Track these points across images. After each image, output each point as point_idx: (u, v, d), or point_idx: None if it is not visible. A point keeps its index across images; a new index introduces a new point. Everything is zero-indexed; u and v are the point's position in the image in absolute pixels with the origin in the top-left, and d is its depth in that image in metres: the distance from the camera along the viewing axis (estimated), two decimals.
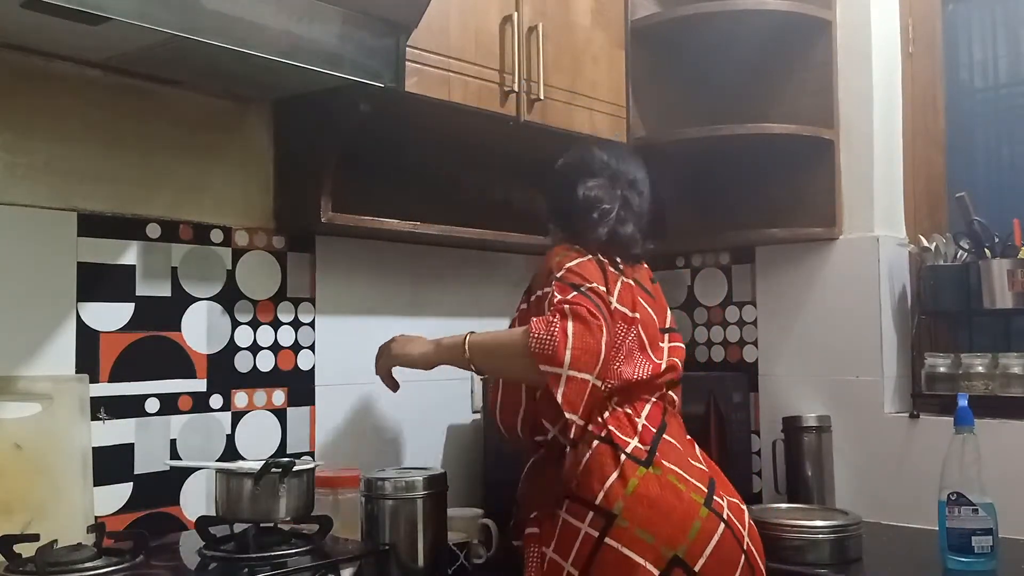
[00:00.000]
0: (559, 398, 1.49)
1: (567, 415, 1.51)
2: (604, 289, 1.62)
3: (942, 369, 2.34)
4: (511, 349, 1.58)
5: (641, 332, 1.70)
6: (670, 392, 1.74)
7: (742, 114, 2.49)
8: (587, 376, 1.51)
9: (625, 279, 1.73)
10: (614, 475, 1.56)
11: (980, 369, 2.28)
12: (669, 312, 1.85)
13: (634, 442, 1.60)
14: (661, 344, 1.75)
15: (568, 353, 1.49)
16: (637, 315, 1.70)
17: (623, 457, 1.57)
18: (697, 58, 2.56)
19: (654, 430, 1.63)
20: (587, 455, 1.59)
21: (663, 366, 1.72)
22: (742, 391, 2.46)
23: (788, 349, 2.52)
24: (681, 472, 1.59)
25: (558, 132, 2.19)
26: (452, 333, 2.34)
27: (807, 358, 2.49)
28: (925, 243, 2.40)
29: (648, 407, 1.67)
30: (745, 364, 2.59)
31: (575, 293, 1.56)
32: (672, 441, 1.64)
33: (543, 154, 2.32)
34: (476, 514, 1.96)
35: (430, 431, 2.30)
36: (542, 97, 2.11)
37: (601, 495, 1.54)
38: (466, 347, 1.66)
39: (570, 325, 1.50)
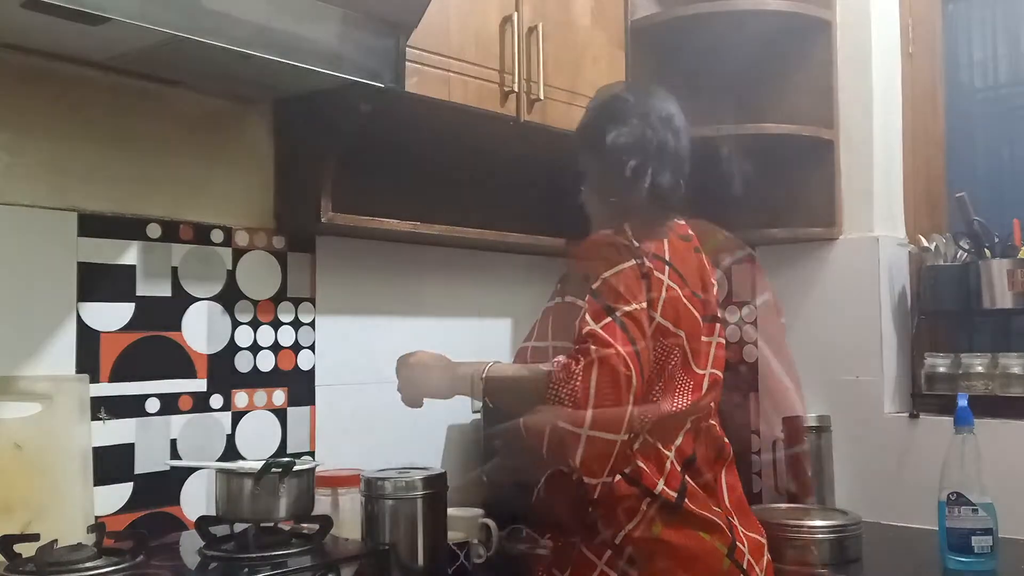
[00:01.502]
0: (576, 461, 1.36)
1: (585, 480, 1.40)
2: (643, 306, 1.44)
3: (942, 369, 2.34)
4: (529, 393, 1.42)
5: (685, 346, 1.53)
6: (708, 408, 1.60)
7: (742, 114, 2.49)
8: (612, 437, 1.37)
9: (670, 283, 1.52)
10: (637, 518, 1.45)
11: (980, 369, 2.28)
12: (712, 279, 1.65)
13: (661, 484, 1.46)
14: (707, 343, 1.58)
15: (590, 413, 1.34)
16: (681, 332, 1.52)
17: (649, 500, 1.45)
18: (697, 58, 2.55)
19: (681, 466, 1.50)
20: (611, 490, 1.46)
21: (704, 385, 1.55)
22: (742, 391, 2.46)
23: (787, 348, 2.52)
24: (707, 516, 1.48)
25: (558, 132, 2.18)
26: (451, 333, 2.38)
27: (807, 358, 2.49)
28: (925, 243, 2.40)
29: (681, 436, 1.52)
30: (745, 364, 2.59)
31: (608, 320, 1.39)
32: (702, 473, 1.52)
33: (543, 154, 2.32)
34: (476, 514, 1.96)
35: (430, 431, 2.30)
36: (542, 97, 2.11)
37: (621, 535, 1.45)
38: (482, 379, 1.51)
39: (594, 377, 1.34)
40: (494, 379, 1.51)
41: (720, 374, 1.61)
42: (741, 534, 1.52)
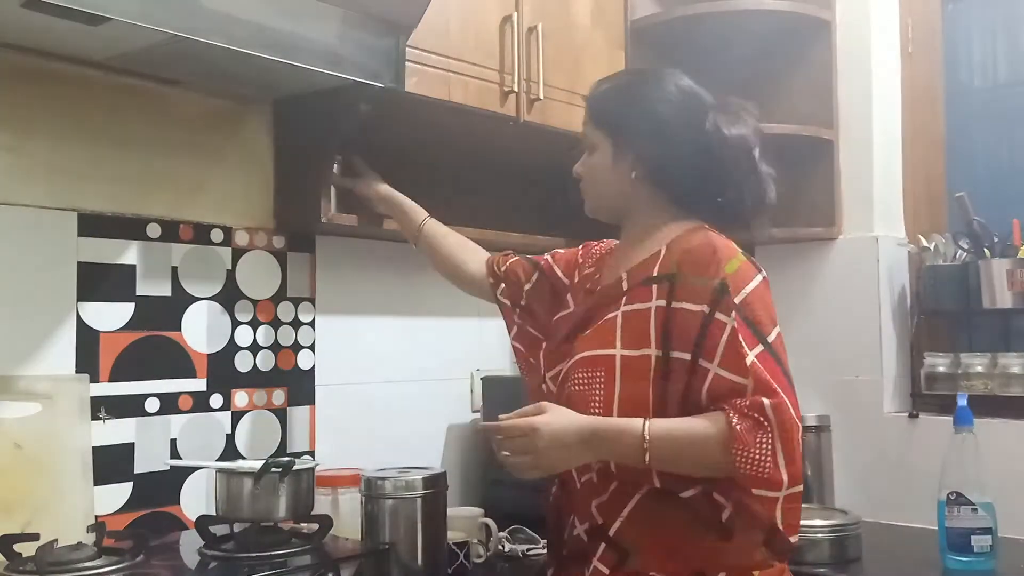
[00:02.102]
0: (780, 524, 1.26)
1: (792, 540, 1.28)
2: (779, 327, 1.34)
3: (941, 369, 2.34)
4: (710, 453, 1.28)
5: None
6: None
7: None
8: (799, 488, 1.28)
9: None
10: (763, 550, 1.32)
11: (979, 369, 2.28)
12: None
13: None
14: None
15: (784, 473, 1.25)
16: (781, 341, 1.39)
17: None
18: (697, 58, 2.55)
19: None
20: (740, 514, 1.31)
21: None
22: None
23: (787, 349, 2.52)
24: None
25: (558, 132, 2.19)
26: (451, 333, 2.37)
27: (806, 358, 2.49)
28: (924, 243, 2.40)
29: None
30: None
31: (761, 349, 1.28)
32: None
33: (543, 154, 2.32)
34: (476, 514, 1.96)
35: (430, 431, 2.30)
36: (542, 97, 2.11)
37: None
38: (646, 440, 1.29)
39: (778, 439, 1.25)
40: (661, 444, 1.30)
41: None
42: None
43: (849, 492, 2.37)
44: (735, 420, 1.25)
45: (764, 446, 1.24)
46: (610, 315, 1.40)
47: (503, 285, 1.73)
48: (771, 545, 1.30)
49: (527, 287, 1.69)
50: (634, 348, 1.36)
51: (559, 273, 1.66)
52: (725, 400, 1.28)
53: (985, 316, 2.37)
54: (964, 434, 1.82)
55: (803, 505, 2.19)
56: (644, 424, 1.30)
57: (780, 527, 1.26)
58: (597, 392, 1.37)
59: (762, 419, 1.25)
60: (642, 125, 1.45)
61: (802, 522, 1.88)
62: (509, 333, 1.72)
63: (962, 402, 1.85)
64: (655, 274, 1.39)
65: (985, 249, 2.28)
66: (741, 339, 1.28)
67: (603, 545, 1.38)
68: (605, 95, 1.53)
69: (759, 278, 1.35)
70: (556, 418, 1.34)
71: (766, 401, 1.25)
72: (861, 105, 2.45)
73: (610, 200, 1.52)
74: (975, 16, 2.60)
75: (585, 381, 1.39)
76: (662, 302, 1.35)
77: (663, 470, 1.32)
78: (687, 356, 1.32)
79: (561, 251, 1.72)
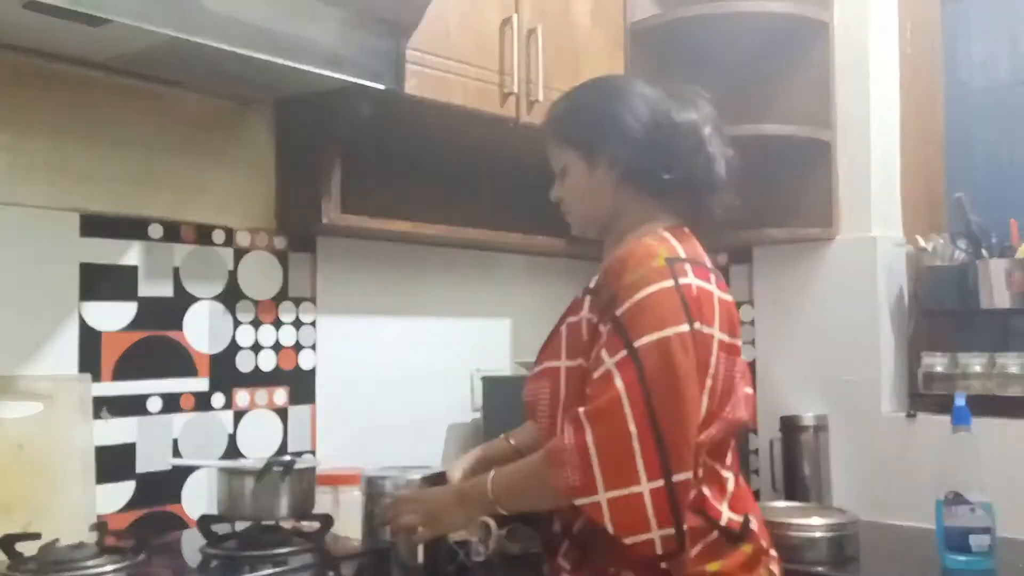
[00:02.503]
0: (609, 528, 1.23)
1: (627, 540, 1.23)
2: (689, 329, 1.28)
3: (939, 369, 2.34)
4: (532, 485, 1.33)
5: (743, 362, 1.43)
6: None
7: (740, 115, 2.49)
8: (633, 489, 1.22)
9: (723, 295, 1.39)
10: (698, 548, 1.30)
11: (977, 369, 2.28)
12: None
13: (725, 511, 1.33)
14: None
15: (601, 477, 1.22)
16: (738, 341, 1.39)
17: (715, 533, 1.32)
18: (696, 59, 2.56)
19: (737, 487, 1.39)
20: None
21: (752, 396, 1.45)
22: None
23: (786, 349, 2.53)
24: (764, 546, 1.38)
25: None
26: (451, 333, 2.38)
27: (805, 358, 2.50)
28: (923, 243, 2.41)
29: (730, 454, 1.41)
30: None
31: (623, 355, 1.26)
32: (749, 493, 1.43)
33: (542, 155, 2.33)
34: None
35: (430, 431, 2.31)
36: (541, 99, 2.11)
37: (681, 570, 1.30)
38: (489, 491, 1.38)
39: (590, 437, 1.23)
40: (500, 487, 1.38)
41: (752, 393, 1.47)
42: (772, 548, 1.43)
43: (847, 492, 2.38)
44: (549, 448, 1.29)
45: (574, 454, 1.23)
46: (561, 327, 1.43)
47: None
48: (724, 533, 1.33)
49: None
50: (572, 359, 1.38)
51: None
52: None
53: (983, 316, 2.37)
54: (962, 434, 1.83)
55: (801, 504, 2.23)
56: (491, 475, 1.40)
57: (611, 530, 1.23)
58: (544, 403, 1.40)
59: (573, 423, 1.26)
60: (604, 130, 1.46)
61: (801, 521, 1.92)
62: None
63: (960, 402, 1.85)
64: (591, 285, 1.40)
65: (983, 249, 2.28)
66: (604, 350, 1.28)
67: (567, 542, 1.41)
68: (563, 114, 1.54)
69: (661, 285, 1.30)
70: (426, 489, 1.55)
71: (580, 411, 1.26)
72: (860, 105, 2.46)
73: (594, 212, 1.51)
74: (975, 16, 2.60)
75: (533, 393, 1.43)
76: (592, 314, 1.36)
77: (515, 511, 1.41)
78: (582, 362, 1.35)
79: None
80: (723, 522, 1.32)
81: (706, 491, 1.32)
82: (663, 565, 1.28)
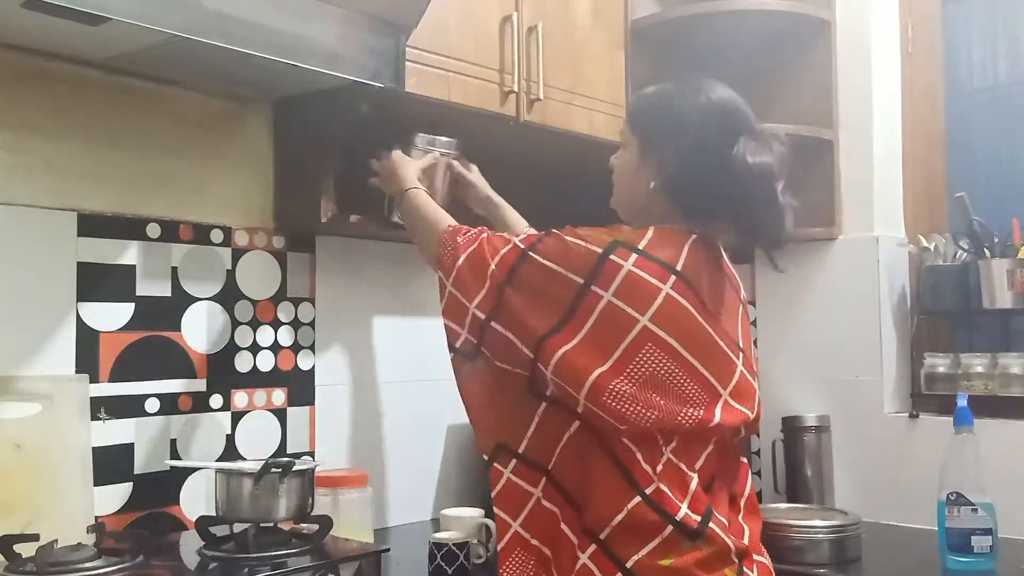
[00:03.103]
0: (442, 308, 1.50)
1: (445, 323, 1.51)
2: (579, 281, 1.33)
3: (941, 369, 2.34)
4: (426, 231, 1.61)
5: (692, 364, 1.36)
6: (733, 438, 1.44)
7: None
8: (466, 303, 1.44)
9: (678, 297, 1.34)
10: (654, 543, 1.30)
11: (979, 369, 2.28)
12: (737, 304, 1.48)
13: (684, 508, 1.31)
14: (712, 382, 1.37)
15: (455, 269, 1.48)
16: (691, 358, 1.34)
17: (669, 528, 1.30)
18: (697, 58, 2.55)
19: (704, 489, 1.35)
20: (627, 508, 1.30)
21: (715, 416, 1.35)
22: None
23: (787, 349, 2.53)
24: (724, 539, 1.33)
25: (558, 132, 2.19)
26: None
27: (806, 358, 2.49)
28: (924, 243, 2.40)
29: (703, 457, 1.36)
30: None
31: (486, 234, 1.52)
32: (721, 499, 1.39)
33: (543, 154, 2.32)
34: (476, 514, 1.95)
35: (430, 431, 2.30)
36: (542, 97, 2.11)
37: (634, 560, 1.30)
38: (403, 192, 1.72)
39: (476, 239, 1.49)
40: (409, 203, 1.70)
41: (744, 410, 1.41)
42: (750, 562, 1.38)
43: (849, 492, 2.37)
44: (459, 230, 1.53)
45: (466, 238, 1.50)
46: None
47: None
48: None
49: None
50: None
51: None
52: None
53: (985, 316, 2.37)
54: (964, 434, 1.83)
55: (803, 506, 2.22)
56: (414, 186, 1.73)
57: (442, 309, 1.51)
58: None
59: (478, 233, 1.50)
60: (669, 135, 1.44)
61: (803, 523, 1.91)
62: None
63: (962, 402, 1.85)
64: None
65: (985, 249, 2.28)
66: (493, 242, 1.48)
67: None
68: (645, 98, 1.54)
69: (586, 245, 1.35)
70: (409, 164, 1.81)
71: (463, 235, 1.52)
72: (861, 105, 2.45)
73: (628, 200, 1.51)
74: (975, 16, 2.60)
75: None
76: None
77: (401, 219, 1.75)
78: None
79: None
80: (679, 517, 1.29)
81: (664, 487, 1.30)
82: (629, 565, 1.29)
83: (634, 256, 1.33)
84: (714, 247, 1.45)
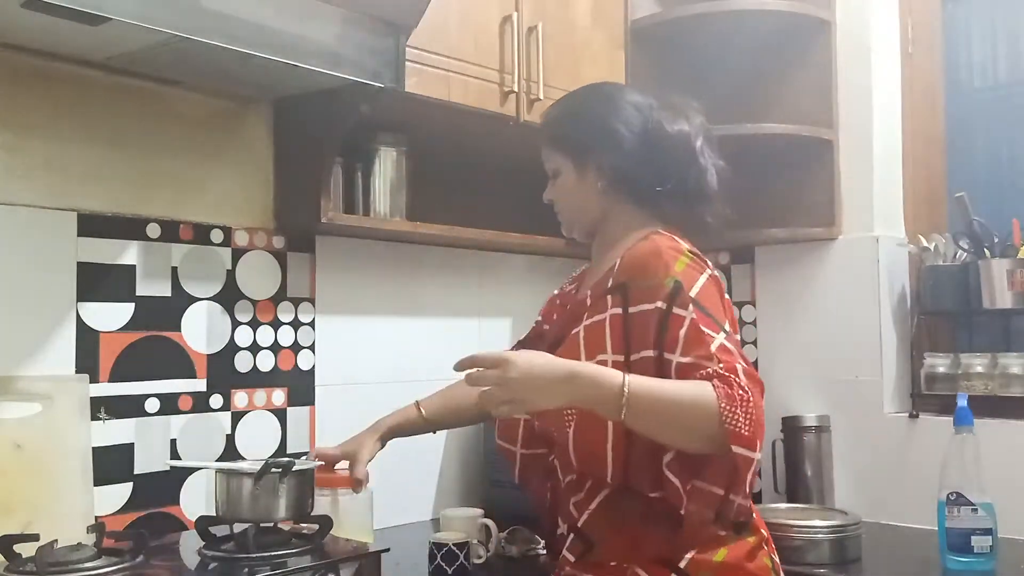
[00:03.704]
0: (746, 486, 1.29)
1: (740, 502, 1.31)
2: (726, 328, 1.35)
3: (941, 369, 2.34)
4: (694, 412, 1.26)
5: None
6: None
7: (742, 114, 2.48)
8: (759, 456, 1.28)
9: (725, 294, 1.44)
10: (703, 537, 1.34)
11: (979, 369, 2.28)
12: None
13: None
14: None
15: (759, 439, 1.26)
16: (737, 338, 1.40)
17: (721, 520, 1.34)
18: (697, 58, 2.56)
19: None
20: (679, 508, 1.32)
21: None
22: None
23: (787, 349, 2.53)
24: (765, 535, 1.41)
25: None
26: (451, 333, 2.37)
27: (806, 358, 2.49)
28: (924, 243, 2.40)
29: None
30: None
31: (724, 336, 1.31)
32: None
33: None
34: (476, 514, 1.96)
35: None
36: (542, 97, 2.11)
37: (686, 560, 1.33)
38: (625, 390, 1.26)
39: (756, 401, 1.26)
40: (639, 396, 1.26)
41: None
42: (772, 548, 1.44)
43: (849, 493, 2.37)
44: (716, 382, 1.26)
45: (746, 404, 1.25)
46: (575, 330, 1.44)
47: None
48: (721, 516, 1.33)
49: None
50: (591, 357, 1.38)
51: (542, 326, 1.69)
52: (696, 375, 1.29)
53: (985, 316, 2.36)
54: (964, 434, 1.82)
55: (804, 506, 2.23)
56: (624, 377, 1.27)
57: (746, 488, 1.29)
58: (569, 411, 1.37)
59: (738, 380, 1.26)
60: (594, 137, 1.51)
61: (803, 523, 1.91)
62: None
63: (962, 402, 1.85)
64: (610, 285, 1.42)
65: (985, 249, 2.28)
66: (703, 328, 1.31)
67: (572, 536, 1.44)
68: (556, 120, 1.59)
69: (707, 274, 1.39)
70: (533, 355, 1.33)
71: (738, 366, 1.28)
72: (861, 105, 2.45)
73: (582, 216, 1.57)
74: (975, 16, 2.60)
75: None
76: (618, 310, 1.38)
77: (637, 429, 1.29)
78: (651, 352, 1.34)
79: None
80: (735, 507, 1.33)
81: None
82: (682, 565, 1.32)
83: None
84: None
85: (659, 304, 1.34)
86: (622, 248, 1.47)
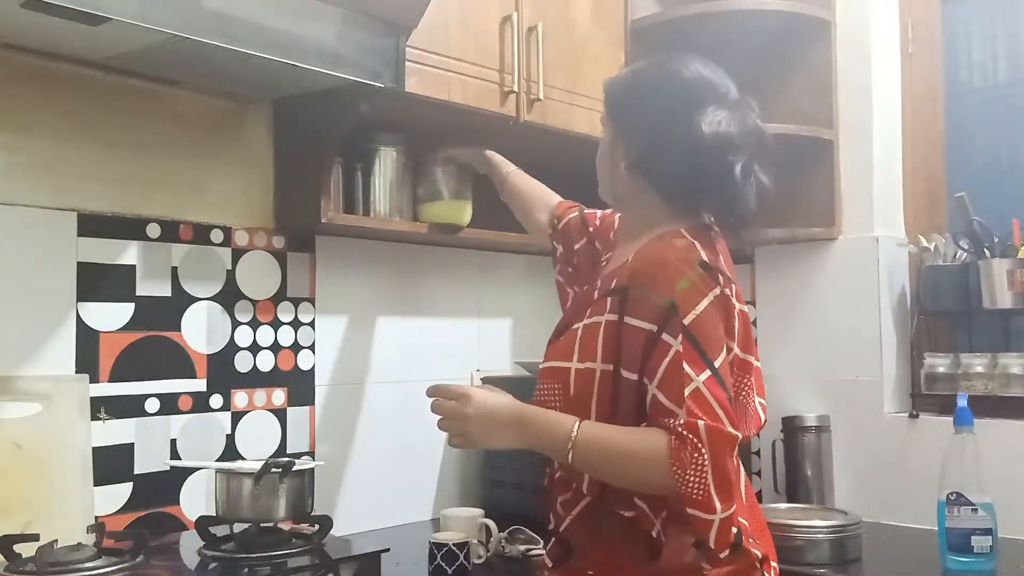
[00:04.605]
0: (711, 543, 1.24)
1: (721, 555, 1.26)
2: (726, 351, 1.30)
3: (941, 369, 2.34)
4: (644, 467, 1.25)
5: (752, 377, 1.41)
6: None
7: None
8: (733, 508, 1.25)
9: (741, 307, 1.37)
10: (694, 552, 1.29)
11: (979, 369, 2.28)
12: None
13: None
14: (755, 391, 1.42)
15: (717, 500, 1.21)
16: (751, 358, 1.39)
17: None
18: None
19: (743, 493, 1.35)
20: (668, 528, 1.30)
21: (763, 417, 1.43)
22: None
23: (787, 349, 2.52)
24: (752, 550, 1.33)
25: (558, 132, 2.19)
26: (451, 333, 2.37)
27: (806, 358, 2.49)
28: (924, 243, 2.40)
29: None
30: None
31: (709, 375, 1.25)
32: (743, 497, 1.37)
33: (543, 154, 2.32)
34: (476, 514, 1.96)
35: (430, 431, 2.29)
36: (542, 97, 2.11)
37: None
38: (573, 436, 1.28)
39: (709, 463, 1.21)
40: (588, 445, 1.28)
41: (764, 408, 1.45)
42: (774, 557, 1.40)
43: (849, 493, 2.37)
44: (672, 440, 1.22)
45: (700, 468, 1.21)
46: (576, 325, 1.39)
47: (559, 247, 1.80)
48: (701, 549, 1.28)
49: (577, 247, 1.75)
50: (582, 361, 1.35)
51: (597, 245, 1.70)
52: (660, 421, 1.25)
53: (985, 316, 2.36)
54: (964, 434, 1.83)
55: (804, 506, 2.22)
56: (576, 424, 1.29)
57: (712, 546, 1.24)
58: (554, 404, 1.36)
59: (696, 441, 1.21)
60: (635, 113, 1.43)
61: (803, 523, 1.91)
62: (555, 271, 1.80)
63: (962, 402, 1.85)
64: (614, 286, 1.36)
65: (985, 249, 2.28)
66: (685, 365, 1.25)
67: (552, 540, 1.43)
68: (616, 80, 1.53)
69: (711, 296, 1.29)
70: (491, 395, 1.37)
71: (700, 423, 1.22)
72: (861, 105, 2.45)
73: (607, 183, 1.51)
74: (975, 16, 2.60)
75: (545, 392, 1.39)
76: (614, 316, 1.33)
77: (588, 473, 1.32)
78: (635, 376, 1.30)
79: (605, 213, 1.72)
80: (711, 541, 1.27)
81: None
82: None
83: (719, 276, 1.35)
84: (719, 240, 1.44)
85: (650, 326, 1.28)
86: (640, 242, 1.40)
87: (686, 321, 1.26)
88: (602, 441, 1.28)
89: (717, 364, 1.26)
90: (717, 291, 1.30)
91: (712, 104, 1.38)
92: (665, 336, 1.26)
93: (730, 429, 1.23)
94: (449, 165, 2.05)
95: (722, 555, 1.26)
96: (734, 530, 1.28)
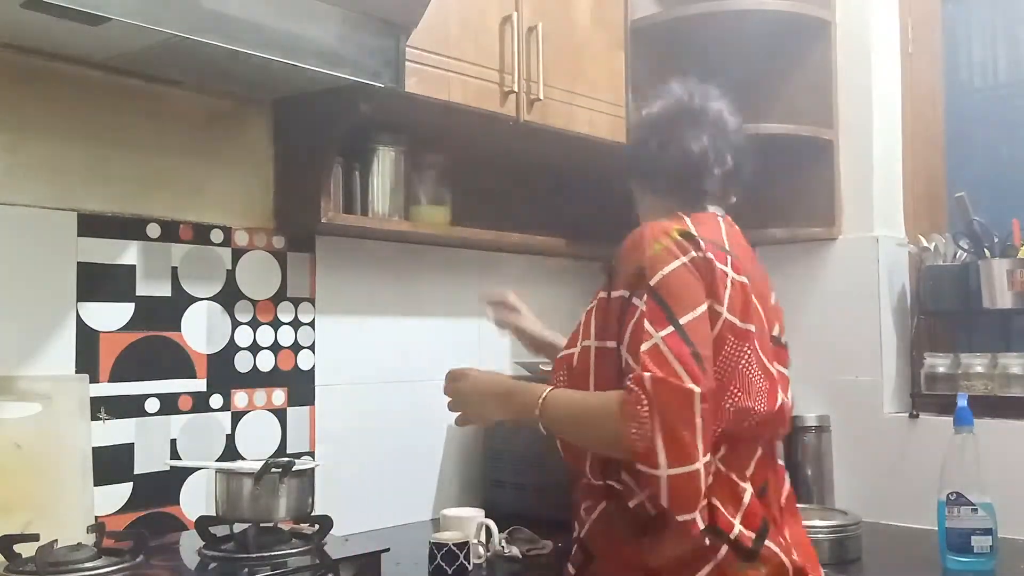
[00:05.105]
0: (664, 503, 1.23)
1: (679, 519, 1.23)
2: (704, 309, 1.31)
3: (941, 369, 2.34)
4: (597, 423, 1.30)
5: (758, 349, 1.38)
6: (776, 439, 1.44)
7: (741, 114, 2.48)
8: (692, 467, 1.22)
9: (737, 276, 1.37)
10: (708, 567, 1.28)
11: (979, 369, 2.28)
12: (774, 298, 1.51)
13: (738, 524, 1.30)
14: (770, 367, 1.41)
15: (664, 455, 1.21)
16: (751, 327, 1.37)
17: (724, 549, 1.29)
18: (697, 58, 2.55)
19: (758, 495, 1.35)
20: (680, 531, 1.27)
21: (779, 402, 1.40)
22: None
23: (788, 349, 2.52)
24: (781, 558, 1.32)
25: (558, 132, 2.19)
26: (451, 333, 2.37)
27: (806, 358, 2.48)
28: (924, 243, 2.40)
29: (754, 463, 1.37)
30: None
31: (671, 329, 1.26)
32: (773, 511, 1.38)
33: (542, 154, 2.33)
34: (476, 514, 1.96)
35: (430, 431, 2.30)
36: (542, 97, 2.11)
37: None
38: (539, 401, 1.38)
39: (657, 416, 1.21)
40: (556, 403, 1.37)
41: (789, 404, 1.46)
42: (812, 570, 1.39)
43: (849, 493, 2.37)
44: (624, 395, 1.25)
45: (642, 420, 1.22)
46: (582, 316, 1.45)
47: None
48: (710, 532, 1.29)
49: None
50: (583, 342, 1.40)
51: None
52: (624, 380, 1.28)
53: (985, 316, 2.36)
54: (964, 434, 1.83)
55: (804, 506, 2.22)
56: (548, 389, 1.40)
57: (666, 506, 1.23)
58: (561, 387, 1.43)
59: (640, 393, 1.23)
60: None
61: (803, 523, 1.91)
62: None
63: (962, 402, 1.85)
64: (608, 267, 1.43)
65: (985, 249, 2.28)
66: (646, 323, 1.27)
67: (575, 546, 1.46)
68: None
69: (684, 259, 1.32)
70: (484, 373, 1.56)
71: (646, 375, 1.23)
72: (861, 105, 2.45)
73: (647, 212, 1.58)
74: (975, 16, 2.60)
75: (555, 380, 1.45)
76: (604, 294, 1.39)
77: (558, 435, 1.40)
78: (613, 343, 1.34)
79: None
80: (733, 535, 1.29)
81: (716, 502, 1.29)
82: None
83: (701, 243, 1.39)
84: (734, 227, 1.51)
85: (624, 292, 1.33)
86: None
87: (652, 282, 1.30)
88: (567, 399, 1.38)
89: (684, 321, 1.27)
90: (693, 254, 1.34)
91: (660, 100, 1.58)
92: (634, 299, 1.31)
93: (688, 384, 1.23)
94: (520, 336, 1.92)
95: (681, 517, 1.23)
96: (743, 530, 1.29)
